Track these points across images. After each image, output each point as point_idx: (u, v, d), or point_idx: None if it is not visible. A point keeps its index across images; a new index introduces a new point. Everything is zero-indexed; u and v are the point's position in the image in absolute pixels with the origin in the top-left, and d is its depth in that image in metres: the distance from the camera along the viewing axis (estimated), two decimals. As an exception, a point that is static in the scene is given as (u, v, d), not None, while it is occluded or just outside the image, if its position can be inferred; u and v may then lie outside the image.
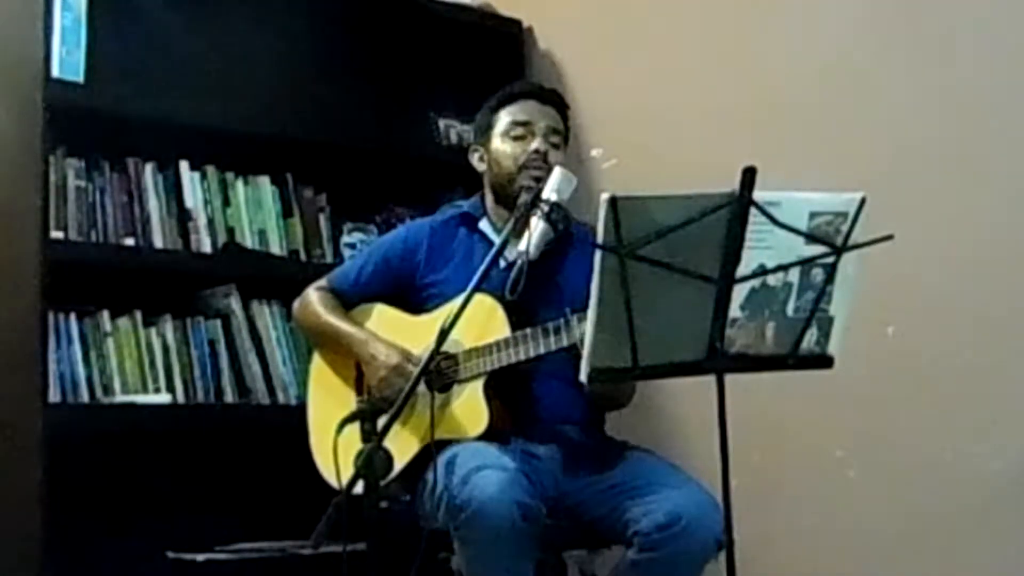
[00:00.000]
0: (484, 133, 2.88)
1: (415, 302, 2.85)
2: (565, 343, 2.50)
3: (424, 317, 2.78)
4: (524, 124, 2.82)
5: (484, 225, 2.87)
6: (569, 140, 2.91)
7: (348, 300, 2.91)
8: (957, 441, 2.86)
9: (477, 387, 2.64)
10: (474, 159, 2.91)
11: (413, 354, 2.70)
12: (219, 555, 3.13)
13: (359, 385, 2.78)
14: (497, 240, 2.67)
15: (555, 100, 2.90)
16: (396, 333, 2.77)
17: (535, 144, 2.78)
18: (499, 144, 2.83)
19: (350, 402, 2.76)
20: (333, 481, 2.40)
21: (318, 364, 2.93)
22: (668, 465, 2.63)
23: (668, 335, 2.01)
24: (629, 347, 1.97)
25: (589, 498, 2.61)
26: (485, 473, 2.41)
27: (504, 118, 2.84)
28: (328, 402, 2.84)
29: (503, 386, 2.65)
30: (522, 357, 2.58)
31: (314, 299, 2.91)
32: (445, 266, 2.84)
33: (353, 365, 2.79)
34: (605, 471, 2.63)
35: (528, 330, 2.58)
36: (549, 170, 2.71)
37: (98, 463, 3.10)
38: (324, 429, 2.70)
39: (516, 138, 2.81)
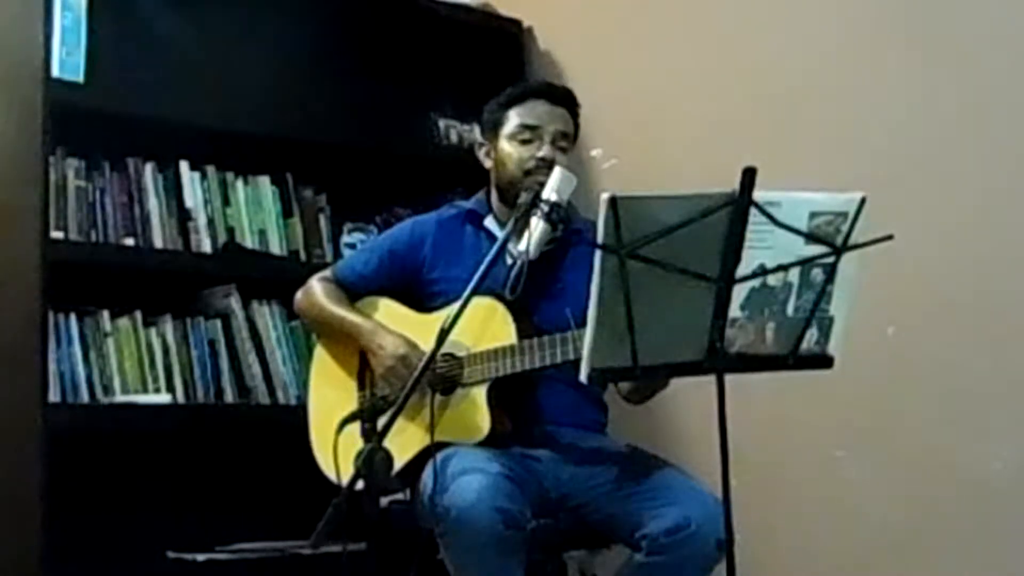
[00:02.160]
0: (492, 130, 2.84)
1: (421, 297, 2.84)
2: (572, 356, 2.46)
3: (431, 315, 2.77)
4: (532, 128, 2.77)
5: (489, 222, 2.85)
6: (577, 138, 2.88)
7: (352, 292, 2.89)
8: (957, 441, 2.86)
9: (481, 393, 2.63)
10: (481, 154, 2.88)
11: (420, 346, 2.68)
12: (219, 555, 3.13)
13: (362, 377, 2.78)
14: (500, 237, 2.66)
15: (566, 100, 2.84)
16: (402, 328, 2.75)
17: (542, 151, 2.74)
18: (506, 145, 2.79)
19: (352, 394, 2.78)
20: (332, 476, 2.40)
21: (320, 355, 2.92)
22: (675, 469, 2.62)
23: (668, 335, 2.01)
24: (629, 347, 1.97)
25: (593, 499, 2.60)
26: (466, 479, 2.40)
27: (513, 119, 2.80)
28: (330, 395, 2.84)
29: (506, 390, 2.64)
30: (528, 367, 2.57)
31: (318, 289, 2.90)
32: (452, 262, 2.81)
33: (356, 356, 2.79)
34: (610, 473, 2.61)
35: (536, 340, 2.56)
36: None
37: (98, 463, 3.10)
38: (325, 423, 2.69)
39: (524, 141, 2.77)
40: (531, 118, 2.79)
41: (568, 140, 2.81)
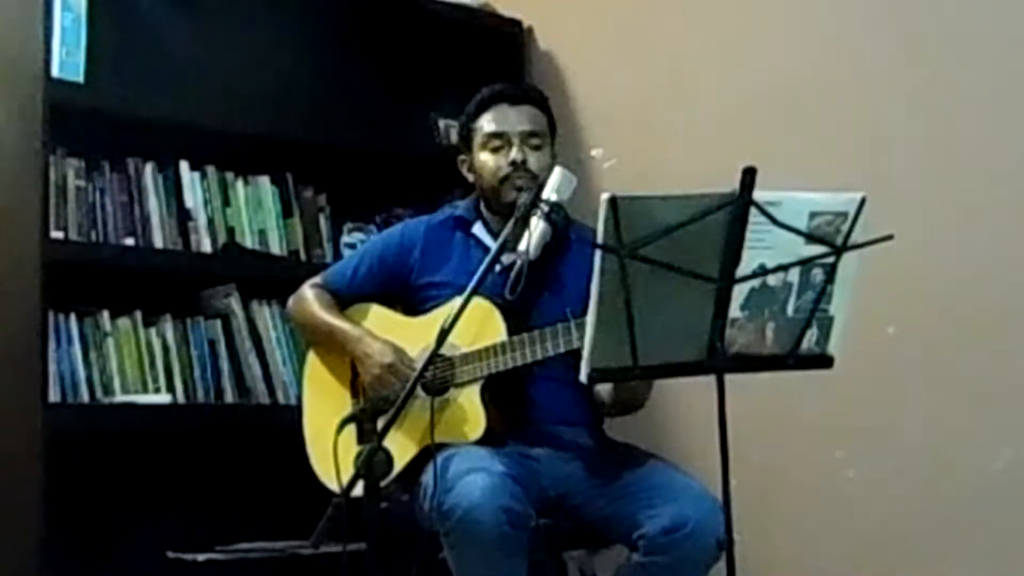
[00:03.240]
0: (467, 144, 2.85)
1: (411, 302, 2.84)
2: (562, 349, 2.49)
3: (420, 318, 2.78)
4: (499, 135, 2.77)
5: (478, 229, 2.85)
6: (556, 130, 2.86)
7: (343, 298, 2.89)
8: (957, 441, 2.86)
9: (474, 391, 2.63)
10: (463, 170, 2.88)
11: (407, 353, 2.69)
12: (219, 555, 3.13)
13: (354, 386, 2.78)
14: (492, 244, 2.66)
15: (530, 97, 2.84)
16: (392, 333, 2.76)
17: (512, 155, 2.74)
18: (479, 156, 2.80)
19: (346, 403, 2.77)
20: (329, 483, 2.40)
21: (313, 363, 2.92)
22: (672, 467, 2.62)
23: (668, 335, 2.01)
24: (629, 347, 1.97)
25: (592, 499, 2.61)
26: (471, 478, 2.40)
27: (481, 129, 2.80)
28: (324, 403, 2.84)
29: (500, 389, 2.64)
30: (519, 362, 2.58)
31: (309, 296, 2.90)
32: (442, 268, 2.82)
33: (348, 364, 2.79)
34: (607, 472, 2.62)
35: (525, 335, 2.57)
36: (532, 176, 2.70)
37: (98, 463, 3.10)
38: (320, 430, 2.70)
39: (494, 150, 2.77)
40: (495, 125, 2.79)
41: (539, 137, 2.79)
